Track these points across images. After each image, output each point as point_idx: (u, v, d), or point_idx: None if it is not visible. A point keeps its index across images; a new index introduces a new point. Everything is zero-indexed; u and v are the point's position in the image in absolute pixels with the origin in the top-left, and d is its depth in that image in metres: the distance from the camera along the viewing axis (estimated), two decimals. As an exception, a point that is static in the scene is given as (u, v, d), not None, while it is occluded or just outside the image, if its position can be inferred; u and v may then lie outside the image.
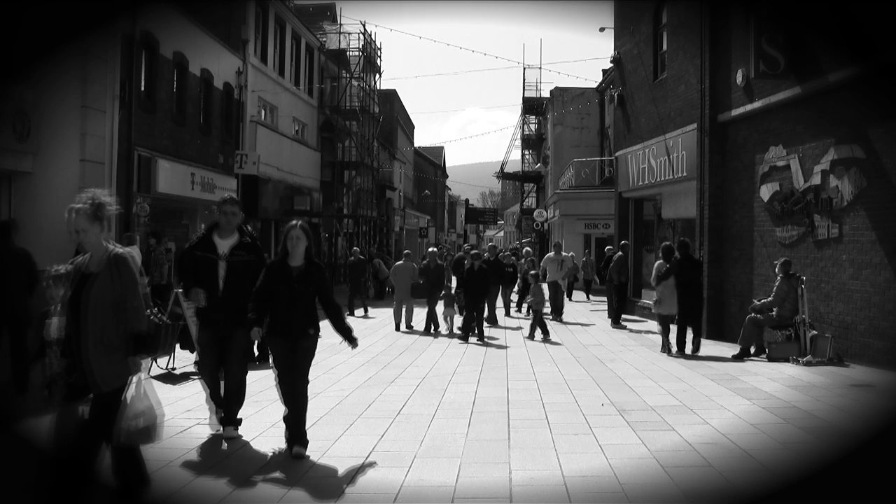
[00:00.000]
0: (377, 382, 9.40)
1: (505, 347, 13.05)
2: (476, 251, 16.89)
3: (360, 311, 19.00)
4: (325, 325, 6.18)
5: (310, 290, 6.08)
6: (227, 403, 6.54)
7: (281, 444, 6.21)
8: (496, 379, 9.75)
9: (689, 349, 12.00)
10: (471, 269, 14.57)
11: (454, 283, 16.87)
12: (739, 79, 13.51)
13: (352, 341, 6.20)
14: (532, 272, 15.92)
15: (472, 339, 13.79)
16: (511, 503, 4.95)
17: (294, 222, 6.24)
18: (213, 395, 6.64)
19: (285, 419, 6.12)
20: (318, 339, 6.19)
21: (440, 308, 15.43)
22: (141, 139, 16.36)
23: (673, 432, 6.76)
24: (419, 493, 5.14)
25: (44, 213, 13.84)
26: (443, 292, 15.64)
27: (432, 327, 15.33)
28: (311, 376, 6.14)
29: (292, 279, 6.02)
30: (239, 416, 6.61)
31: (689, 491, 5.18)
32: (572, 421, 7.25)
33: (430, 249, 17.21)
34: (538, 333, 14.10)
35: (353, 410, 7.70)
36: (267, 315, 6.07)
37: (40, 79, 13.53)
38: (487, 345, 13.36)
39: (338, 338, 6.28)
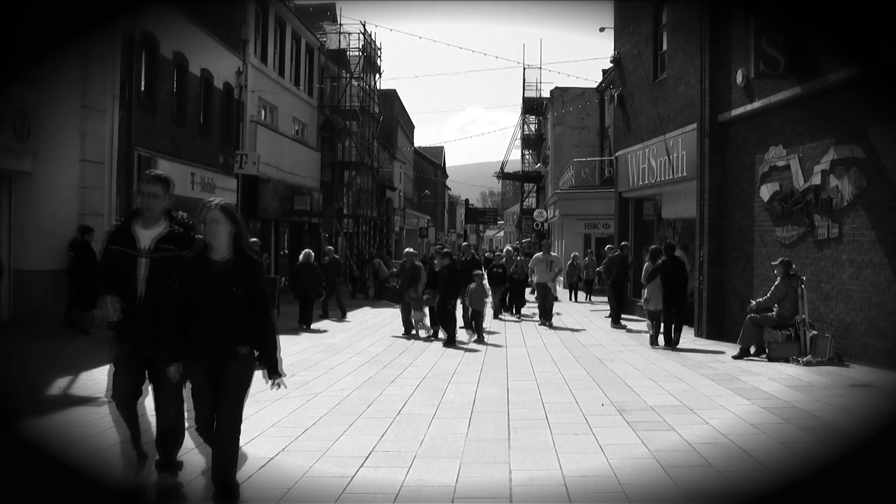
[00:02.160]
0: (377, 382, 9.39)
1: (504, 347, 13.07)
2: (447, 250, 16.19)
3: (336, 314, 17.14)
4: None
5: (238, 292, 4.55)
6: (161, 443, 5.11)
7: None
8: (496, 379, 9.75)
9: (661, 341, 12.90)
10: (440, 270, 14.04)
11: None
12: (739, 79, 13.50)
13: (274, 376, 4.70)
14: (476, 271, 15.12)
15: (439, 335, 13.58)
16: (511, 503, 4.95)
17: (210, 201, 4.69)
18: (130, 427, 5.22)
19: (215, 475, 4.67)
20: (255, 363, 4.73)
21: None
22: (141, 139, 16.37)
23: (673, 432, 6.76)
24: (419, 493, 5.13)
25: (44, 213, 13.86)
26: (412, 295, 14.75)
27: (411, 329, 14.91)
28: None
29: (213, 278, 4.54)
30: (179, 459, 5.26)
31: (689, 491, 5.17)
32: (572, 421, 7.24)
33: (407, 250, 15.88)
34: (468, 334, 14.14)
35: (353, 410, 7.69)
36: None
37: (40, 79, 13.56)
38: (487, 345, 13.37)
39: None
